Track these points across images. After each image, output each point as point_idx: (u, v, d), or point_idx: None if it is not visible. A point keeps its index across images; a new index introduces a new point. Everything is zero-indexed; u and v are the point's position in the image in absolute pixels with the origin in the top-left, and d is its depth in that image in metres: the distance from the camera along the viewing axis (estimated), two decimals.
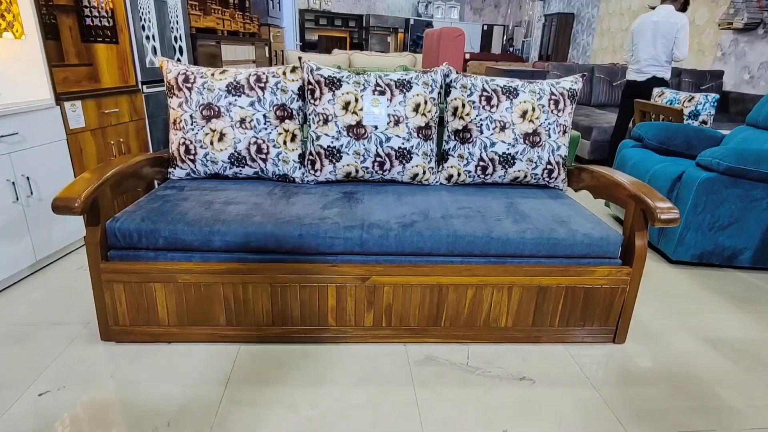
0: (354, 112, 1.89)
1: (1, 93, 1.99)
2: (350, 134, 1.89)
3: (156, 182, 2.20)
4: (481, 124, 1.94)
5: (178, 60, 3.10)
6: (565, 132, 1.99)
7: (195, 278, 1.49)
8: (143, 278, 1.47)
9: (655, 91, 3.39)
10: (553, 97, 1.96)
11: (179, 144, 1.88)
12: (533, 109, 1.94)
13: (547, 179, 2.01)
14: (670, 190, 2.33)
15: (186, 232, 1.49)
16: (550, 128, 1.95)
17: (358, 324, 1.57)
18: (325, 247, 1.51)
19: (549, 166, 1.97)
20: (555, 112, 1.96)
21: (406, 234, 1.53)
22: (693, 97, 3.12)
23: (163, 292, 1.49)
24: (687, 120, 3.05)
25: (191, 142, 1.86)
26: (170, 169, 1.92)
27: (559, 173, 2.00)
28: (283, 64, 5.95)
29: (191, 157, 1.88)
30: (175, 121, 1.89)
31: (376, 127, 1.90)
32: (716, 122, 4.11)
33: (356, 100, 1.89)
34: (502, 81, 1.99)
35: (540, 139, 1.95)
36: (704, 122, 3.07)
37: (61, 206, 1.34)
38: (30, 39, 1.95)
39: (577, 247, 1.57)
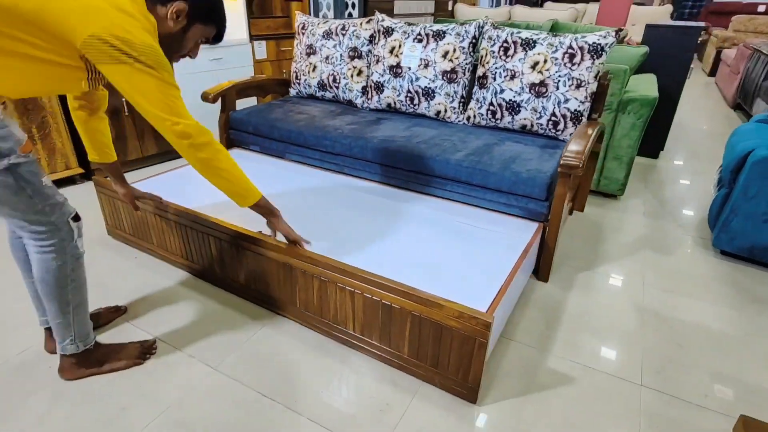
0: (396, 55, 2.41)
1: None
2: (391, 72, 2.43)
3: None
4: (495, 72, 2.18)
5: (349, 14, 4.01)
6: (579, 86, 2.03)
7: None
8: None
9: None
10: (570, 50, 2.02)
11: (293, 71, 2.79)
12: (545, 61, 2.06)
13: (553, 131, 2.11)
14: (736, 170, 2.01)
15: (271, 126, 2.41)
16: (559, 80, 2.04)
17: None
18: (330, 145, 2.20)
19: (554, 118, 2.08)
20: (569, 65, 2.02)
21: (380, 146, 2.07)
22: None
23: None
24: None
25: (299, 71, 2.75)
26: (289, 89, 2.87)
27: (565, 126, 2.08)
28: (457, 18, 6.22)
29: (298, 81, 2.77)
30: (294, 55, 2.80)
31: (410, 68, 2.38)
32: None
33: (399, 46, 2.40)
34: (526, 33, 2.14)
35: (546, 90, 2.06)
36: None
37: (202, 97, 2.43)
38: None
39: (505, 182, 1.81)
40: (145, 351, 1.45)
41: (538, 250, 1.84)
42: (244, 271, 1.68)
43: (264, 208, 1.43)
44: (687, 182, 2.92)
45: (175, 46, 1.23)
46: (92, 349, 1.38)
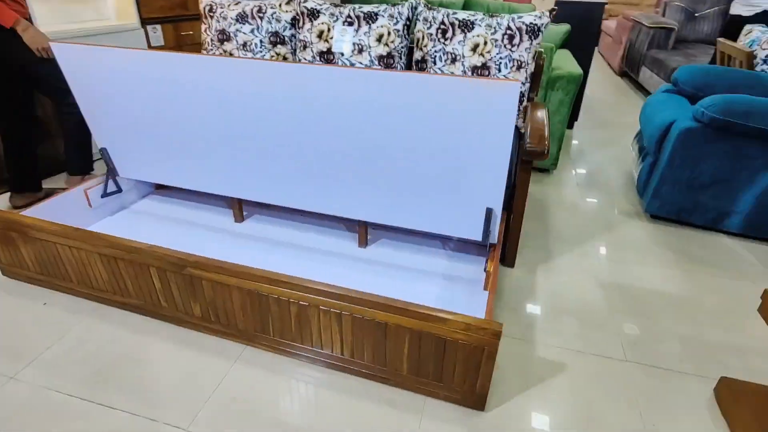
0: (326, 40, 2.22)
1: (109, 17, 2.80)
2: (321, 59, 2.24)
3: None
4: (435, 56, 2.10)
5: None
6: (519, 67, 2.02)
7: None
8: None
9: (745, 28, 2.85)
10: (508, 31, 2.00)
11: None
12: (485, 43, 2.02)
13: None
14: (659, 140, 2.17)
15: None
16: (501, 62, 2.02)
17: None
18: None
19: None
20: (508, 46, 2.00)
21: None
22: None
23: None
24: (760, 67, 2.58)
25: None
26: None
27: None
28: None
29: None
30: (204, 42, 2.46)
31: (342, 54, 2.21)
32: None
33: (329, 30, 2.21)
34: (463, 15, 2.08)
35: (489, 73, 2.03)
36: None
37: None
38: None
39: None
40: None
41: (503, 238, 1.83)
42: (199, 302, 1.44)
43: None
44: (603, 151, 3.14)
45: None
46: None
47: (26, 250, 1.61)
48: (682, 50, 4.38)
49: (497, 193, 1.50)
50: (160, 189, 2.35)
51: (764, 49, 2.60)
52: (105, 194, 2.05)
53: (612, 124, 3.70)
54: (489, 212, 1.55)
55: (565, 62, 2.66)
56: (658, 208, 2.18)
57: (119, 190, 2.12)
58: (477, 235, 1.64)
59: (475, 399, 1.27)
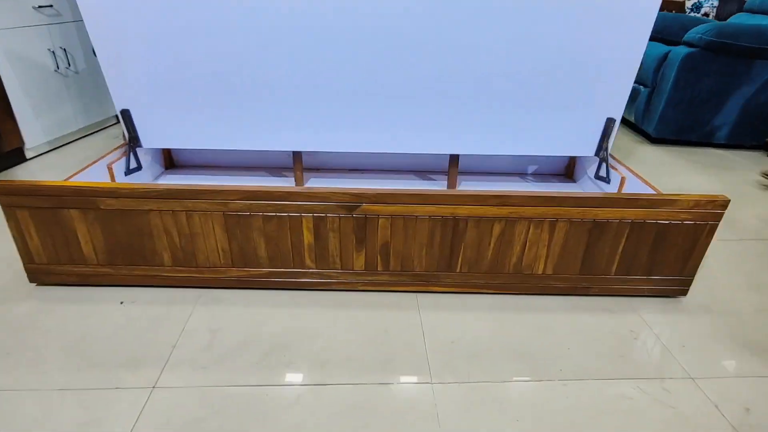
0: None
1: None
2: None
3: None
4: None
5: None
6: None
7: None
8: None
9: None
10: None
11: None
12: None
13: None
14: (656, 70, 2.45)
15: None
16: None
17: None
18: None
19: None
20: None
21: None
22: None
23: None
24: (690, 13, 3.08)
25: None
26: None
27: None
28: None
29: None
30: None
31: None
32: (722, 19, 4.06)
33: None
34: None
35: None
36: (706, 14, 3.09)
37: None
38: None
39: None
40: None
41: None
42: (365, 251, 1.21)
43: None
44: None
45: None
46: None
47: (91, 234, 1.18)
48: None
49: (620, 100, 1.54)
50: (171, 169, 1.92)
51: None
52: (128, 171, 1.60)
53: None
54: (609, 123, 1.58)
55: None
56: (664, 130, 2.46)
57: (139, 167, 1.67)
58: (589, 151, 1.65)
59: (680, 284, 1.28)
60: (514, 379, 1.01)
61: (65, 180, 1.27)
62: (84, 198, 1.13)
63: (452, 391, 0.98)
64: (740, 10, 4.24)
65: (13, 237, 1.18)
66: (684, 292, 1.30)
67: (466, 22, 1.39)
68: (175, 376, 0.99)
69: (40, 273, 1.24)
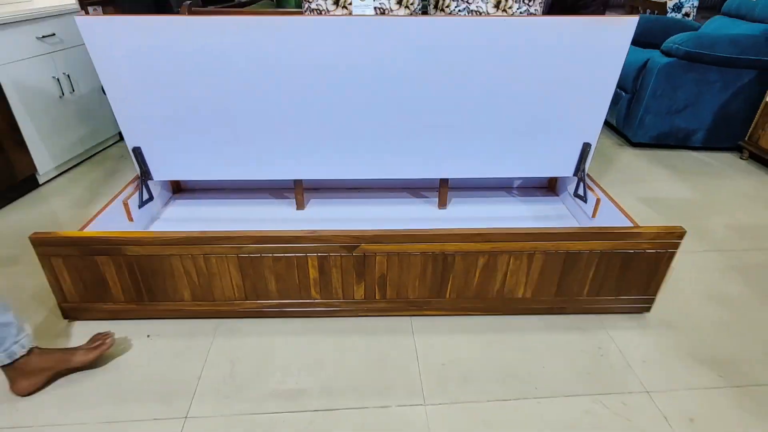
0: (344, 6, 2.12)
1: None
2: None
3: None
4: (459, 15, 2.16)
5: None
6: None
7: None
8: None
9: None
10: None
11: None
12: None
13: None
14: (636, 78, 2.56)
15: None
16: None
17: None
18: None
19: None
20: (526, 1, 2.16)
21: None
22: None
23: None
24: (671, 13, 3.17)
25: None
26: None
27: None
28: None
29: None
30: None
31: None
32: (703, 18, 4.14)
33: None
34: None
35: None
36: (687, 15, 3.18)
37: None
38: None
39: None
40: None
41: None
42: (364, 282, 1.36)
43: None
44: None
45: None
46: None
47: (118, 275, 1.31)
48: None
49: (595, 127, 1.67)
50: (178, 193, 2.04)
51: (671, 0, 3.19)
52: (142, 204, 1.72)
53: None
54: (586, 147, 1.71)
55: None
56: (643, 135, 2.58)
57: (151, 198, 1.80)
58: (567, 171, 1.79)
59: (644, 303, 1.44)
60: (497, 399, 1.17)
61: (88, 228, 1.40)
62: (111, 246, 1.27)
63: (443, 412, 1.14)
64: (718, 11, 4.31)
65: (48, 280, 1.32)
66: (648, 309, 1.46)
67: (454, 64, 1.50)
68: (204, 407, 1.14)
69: (73, 310, 1.38)
